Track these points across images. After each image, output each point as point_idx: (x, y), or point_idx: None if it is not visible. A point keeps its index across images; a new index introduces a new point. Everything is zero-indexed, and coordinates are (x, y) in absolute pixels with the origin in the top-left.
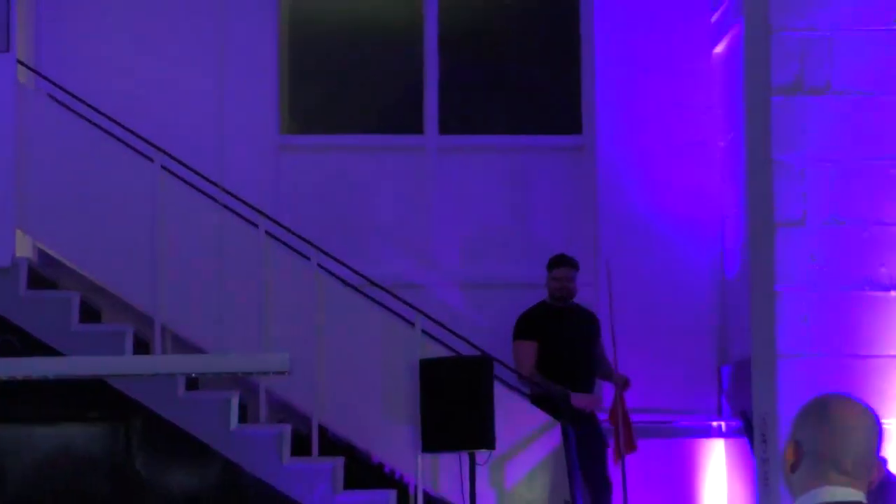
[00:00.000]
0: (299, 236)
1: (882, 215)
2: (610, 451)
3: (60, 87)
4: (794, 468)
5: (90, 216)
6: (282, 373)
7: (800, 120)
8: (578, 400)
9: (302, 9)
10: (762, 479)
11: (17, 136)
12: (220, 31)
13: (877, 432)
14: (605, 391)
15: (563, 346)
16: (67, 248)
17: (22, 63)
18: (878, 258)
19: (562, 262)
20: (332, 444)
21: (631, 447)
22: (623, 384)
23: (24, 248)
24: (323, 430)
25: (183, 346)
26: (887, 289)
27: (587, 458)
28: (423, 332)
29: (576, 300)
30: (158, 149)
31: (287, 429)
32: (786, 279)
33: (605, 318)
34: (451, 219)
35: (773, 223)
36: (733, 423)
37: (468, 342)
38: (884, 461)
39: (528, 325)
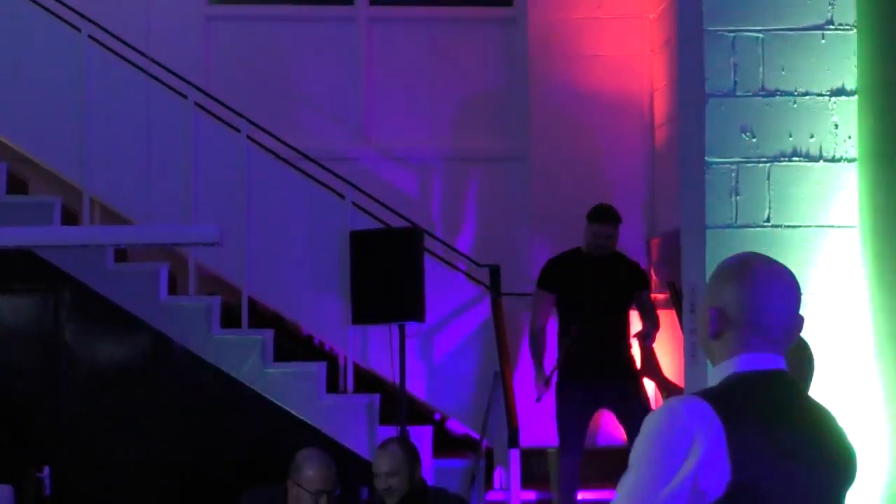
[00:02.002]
0: (229, 107)
1: (811, 86)
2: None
3: None
4: (716, 336)
5: (16, 86)
6: (212, 244)
7: None
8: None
9: None
10: (690, 350)
11: None
12: None
13: (799, 295)
14: None
15: (586, 301)
16: None
17: None
18: (807, 129)
19: (602, 218)
20: (261, 317)
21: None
22: (644, 337)
23: None
24: (252, 303)
25: (112, 217)
26: (816, 159)
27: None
28: (354, 204)
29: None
30: (85, 18)
31: (216, 300)
32: (715, 150)
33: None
34: (381, 91)
35: (703, 94)
36: (662, 295)
37: (399, 215)
38: (801, 319)
39: (549, 274)
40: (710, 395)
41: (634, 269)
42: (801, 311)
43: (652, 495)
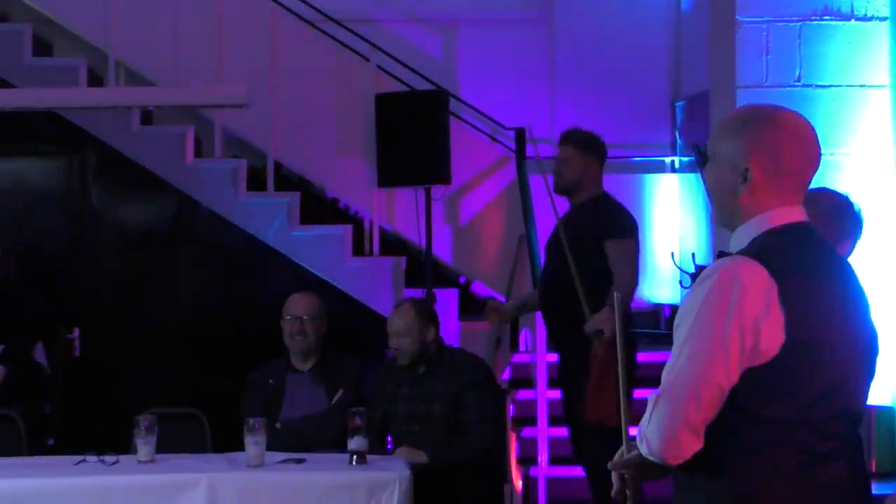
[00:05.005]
0: None
1: None
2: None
3: None
4: (743, 187)
5: None
6: (239, 106)
7: None
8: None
9: None
10: None
11: None
12: None
13: (819, 146)
14: None
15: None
16: None
17: None
18: None
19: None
20: (287, 180)
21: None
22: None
23: None
24: (278, 166)
25: (137, 81)
26: (847, 18)
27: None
28: (379, 67)
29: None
30: None
31: (242, 163)
32: (746, 9)
33: None
34: None
35: None
36: (686, 158)
37: (424, 77)
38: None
39: None
40: (758, 255)
41: (598, 218)
42: (836, 171)
43: (710, 360)
